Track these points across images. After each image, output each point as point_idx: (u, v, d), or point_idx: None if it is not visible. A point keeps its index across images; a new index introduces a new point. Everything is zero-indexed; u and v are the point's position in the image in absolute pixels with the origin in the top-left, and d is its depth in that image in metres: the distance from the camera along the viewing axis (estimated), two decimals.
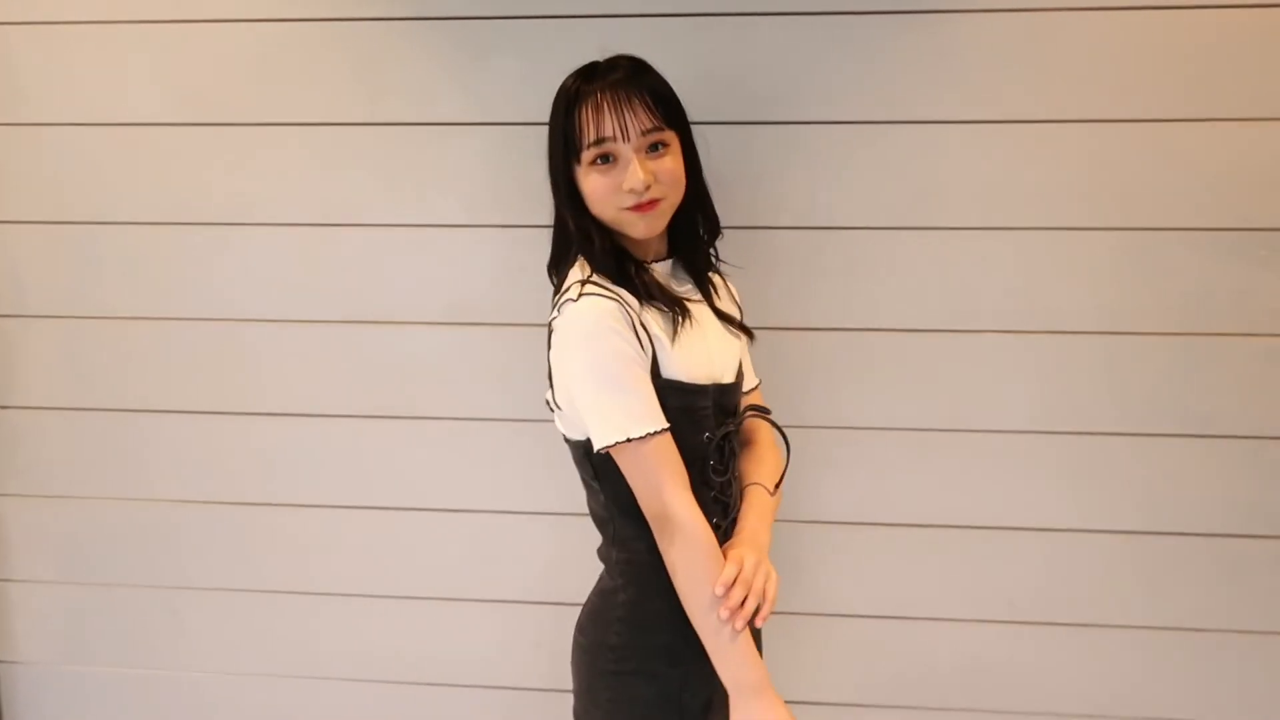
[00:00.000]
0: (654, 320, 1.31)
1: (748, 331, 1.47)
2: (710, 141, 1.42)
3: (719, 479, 1.35)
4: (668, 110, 1.33)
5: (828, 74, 1.69)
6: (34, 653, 2.02)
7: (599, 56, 1.37)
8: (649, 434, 1.24)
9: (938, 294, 1.73)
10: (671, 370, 1.30)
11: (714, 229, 1.45)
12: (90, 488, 1.94)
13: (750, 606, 1.23)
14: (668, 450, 1.26)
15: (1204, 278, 1.70)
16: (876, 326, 1.75)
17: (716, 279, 1.48)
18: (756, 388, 1.54)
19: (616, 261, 1.34)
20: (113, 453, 1.93)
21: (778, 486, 1.41)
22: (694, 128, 1.39)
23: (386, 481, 1.88)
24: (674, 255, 1.42)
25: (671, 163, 1.32)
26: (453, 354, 1.82)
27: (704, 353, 1.35)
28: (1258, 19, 1.64)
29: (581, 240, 1.36)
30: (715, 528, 1.31)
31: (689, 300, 1.38)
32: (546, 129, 1.38)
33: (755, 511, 1.36)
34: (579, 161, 1.32)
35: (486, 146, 1.76)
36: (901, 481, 1.79)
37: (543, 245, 1.76)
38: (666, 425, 1.26)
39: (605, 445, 1.26)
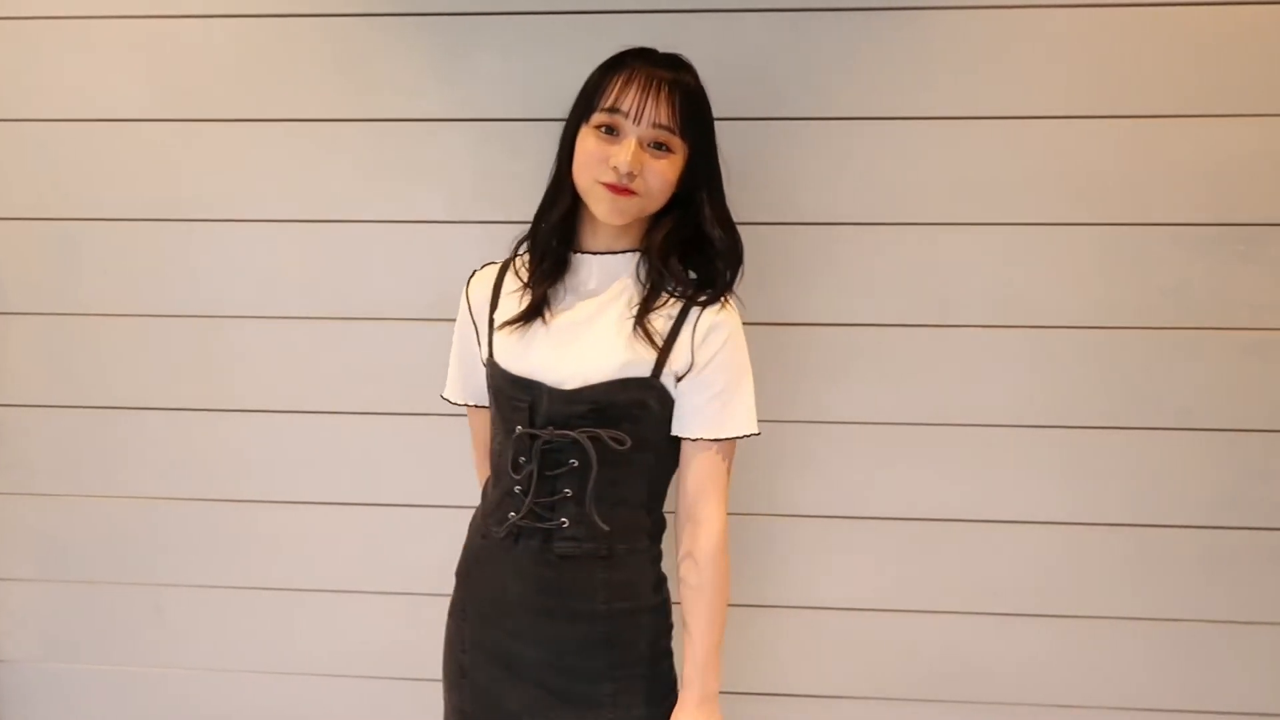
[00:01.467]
0: (516, 302, 1.40)
1: (657, 374, 1.32)
2: None
3: (516, 475, 1.36)
4: (690, 122, 1.32)
5: (809, 70, 1.70)
6: (16, 651, 2.01)
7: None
8: (450, 399, 1.54)
9: (919, 289, 1.74)
10: (496, 352, 1.39)
11: (730, 262, 1.38)
12: (72, 485, 1.94)
13: None
14: (471, 417, 1.57)
15: (1183, 272, 1.71)
16: (859, 321, 1.76)
17: (688, 308, 1.35)
18: (697, 441, 1.34)
19: (542, 237, 1.41)
20: (94, 450, 1.92)
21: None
22: None
23: (369, 478, 1.88)
24: (640, 253, 1.38)
25: (665, 168, 1.31)
26: (435, 350, 1.82)
27: (540, 350, 1.35)
28: (1240, 15, 1.65)
29: (546, 197, 1.42)
30: (505, 520, 1.37)
31: (570, 300, 1.38)
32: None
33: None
34: (587, 121, 1.33)
35: (470, 142, 1.76)
36: (885, 476, 1.80)
37: None
38: (465, 401, 1.52)
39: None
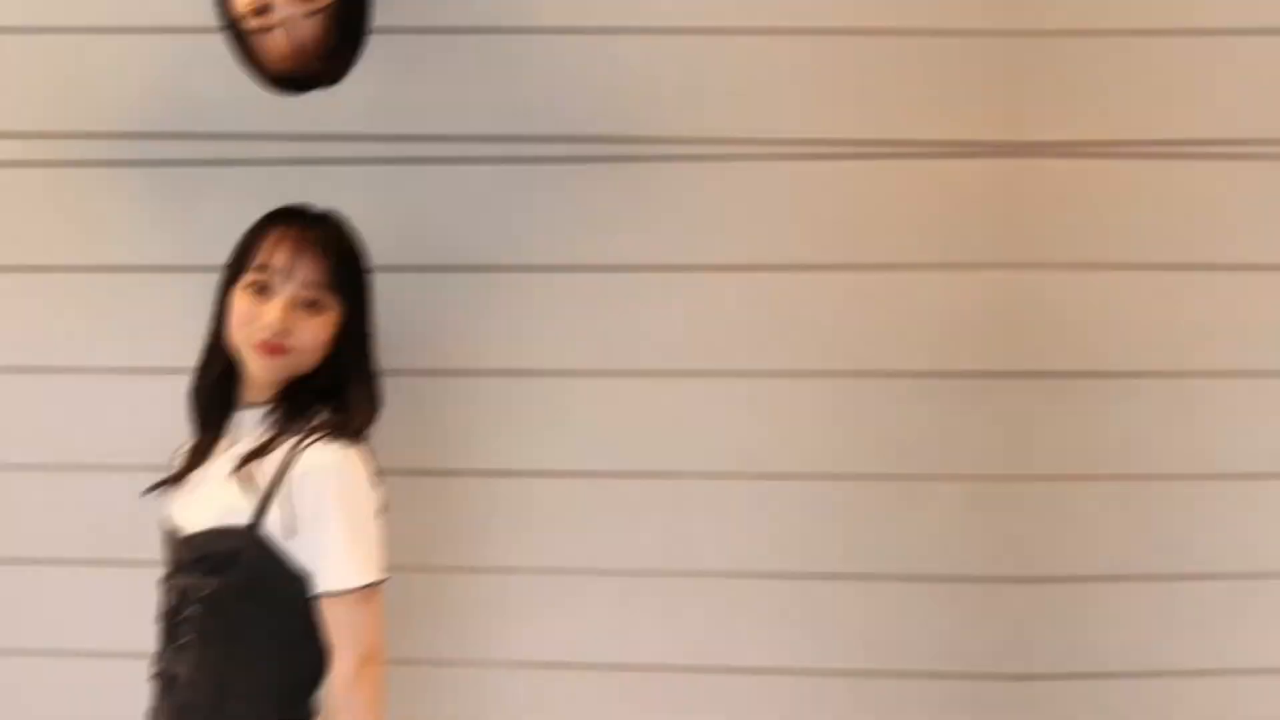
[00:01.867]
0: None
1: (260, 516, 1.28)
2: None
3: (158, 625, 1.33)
4: (344, 280, 1.34)
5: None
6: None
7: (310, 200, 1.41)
8: None
9: (649, 437, 1.73)
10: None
11: (361, 413, 1.37)
12: None
13: None
14: None
15: (906, 421, 1.74)
16: (587, 470, 1.73)
17: (293, 454, 1.30)
18: (333, 596, 1.28)
19: (198, 397, 1.40)
20: None
21: None
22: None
23: None
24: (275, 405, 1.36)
25: (318, 327, 1.33)
26: None
27: (180, 500, 1.38)
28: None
29: (200, 358, 1.42)
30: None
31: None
32: None
33: None
34: (239, 282, 1.35)
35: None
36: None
37: None
38: None
39: None
